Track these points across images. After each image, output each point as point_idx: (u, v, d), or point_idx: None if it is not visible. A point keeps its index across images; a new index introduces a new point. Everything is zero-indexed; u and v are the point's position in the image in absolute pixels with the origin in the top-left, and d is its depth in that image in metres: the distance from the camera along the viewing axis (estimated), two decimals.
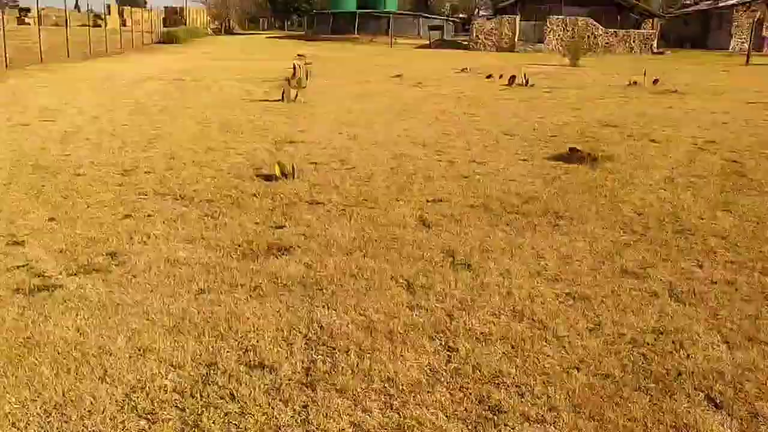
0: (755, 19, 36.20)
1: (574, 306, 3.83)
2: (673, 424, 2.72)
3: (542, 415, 2.76)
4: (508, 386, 2.97)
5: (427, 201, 5.94)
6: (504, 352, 3.27)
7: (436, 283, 4.09)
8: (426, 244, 4.81)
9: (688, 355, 3.28)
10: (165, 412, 2.71)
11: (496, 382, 3.01)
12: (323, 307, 3.73)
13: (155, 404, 2.77)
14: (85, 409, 2.72)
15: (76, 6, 68.40)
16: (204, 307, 3.70)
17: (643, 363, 3.20)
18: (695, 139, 8.98)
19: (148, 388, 2.88)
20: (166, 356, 3.15)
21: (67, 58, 24.10)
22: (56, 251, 4.57)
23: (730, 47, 44.54)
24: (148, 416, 2.69)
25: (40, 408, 2.72)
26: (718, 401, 2.90)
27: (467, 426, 2.67)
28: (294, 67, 17.14)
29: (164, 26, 49.08)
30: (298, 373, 3.04)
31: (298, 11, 74.93)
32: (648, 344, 3.39)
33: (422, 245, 4.78)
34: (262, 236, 4.93)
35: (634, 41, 40.99)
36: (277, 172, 6.62)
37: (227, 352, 3.20)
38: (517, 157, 7.88)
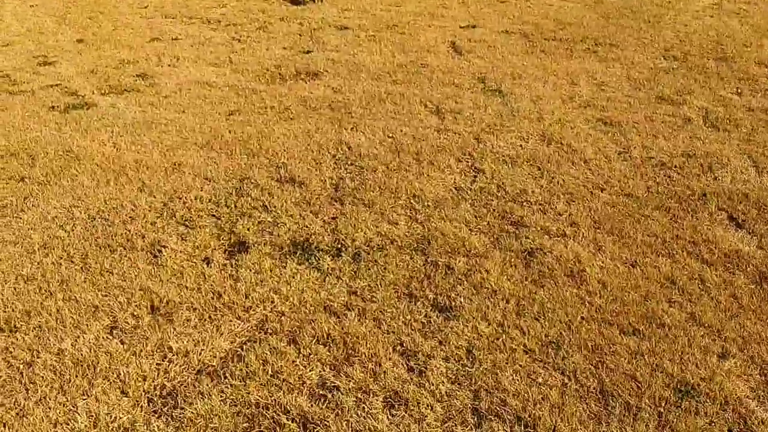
0: None
1: (605, 131, 3.78)
2: (692, 239, 2.78)
3: (563, 230, 2.84)
4: (531, 204, 3.04)
5: (460, 27, 5.71)
6: (529, 173, 3.31)
7: (466, 108, 4.05)
8: (457, 70, 4.70)
9: (715, 178, 3.28)
10: (202, 220, 2.86)
11: (520, 200, 3.07)
12: (351, 129, 3.76)
13: (192, 212, 2.91)
14: (126, 215, 2.89)
15: None
16: (235, 127, 3.75)
17: (668, 184, 3.22)
18: None
19: (185, 198, 3.02)
20: (200, 170, 3.26)
21: None
22: (87, 72, 4.59)
23: None
24: (186, 223, 2.84)
25: (84, 213, 2.89)
26: (740, 220, 2.94)
27: (489, 238, 2.77)
28: None
29: None
30: (327, 188, 3.14)
31: None
32: (676, 167, 3.38)
33: (453, 71, 4.67)
34: (290, 61, 4.86)
35: None
36: None
37: (258, 168, 3.30)
38: None
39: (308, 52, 5.07)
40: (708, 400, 1.96)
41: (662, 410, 1.92)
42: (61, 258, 2.57)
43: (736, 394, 1.98)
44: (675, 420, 1.88)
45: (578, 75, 4.61)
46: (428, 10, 6.24)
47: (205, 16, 5.94)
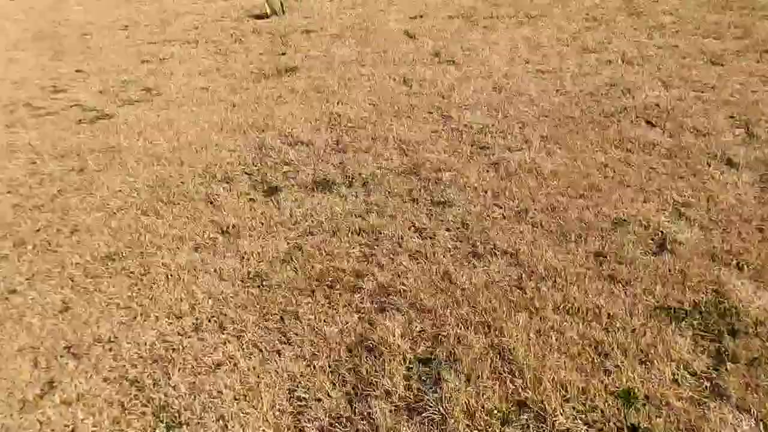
0: None
1: (544, 77, 4.63)
2: (618, 138, 3.62)
3: (520, 146, 3.65)
4: (493, 133, 3.85)
5: (410, 18, 6.55)
6: (488, 113, 4.12)
7: (428, 77, 4.86)
8: (414, 51, 5.52)
9: (633, 97, 4.15)
10: (238, 177, 3.59)
11: (483, 132, 3.88)
12: (338, 103, 4.53)
13: (228, 173, 3.64)
14: (177, 182, 3.59)
15: None
16: (241, 113, 4.49)
17: (597, 106, 4.07)
18: None
19: (220, 164, 3.74)
20: (224, 145, 3.99)
21: None
22: (96, 93, 5.27)
23: None
24: (227, 180, 3.56)
25: (142, 184, 3.59)
26: (654, 122, 3.79)
27: (464, 158, 3.56)
28: None
29: None
30: (330, 144, 3.90)
31: None
32: (602, 94, 4.24)
33: (411, 52, 5.49)
34: (269, 62, 5.62)
35: None
36: (267, 10, 7.13)
37: (271, 138, 4.04)
38: None
39: (283, 54, 5.84)
40: (636, 226, 2.77)
41: (604, 235, 2.73)
42: (138, 214, 3.27)
43: (656, 221, 2.80)
44: (613, 239, 2.69)
45: (516, 41, 5.48)
46: (379, 7, 7.07)
47: (183, 38, 6.65)
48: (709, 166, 3.20)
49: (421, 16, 6.57)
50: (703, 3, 5.95)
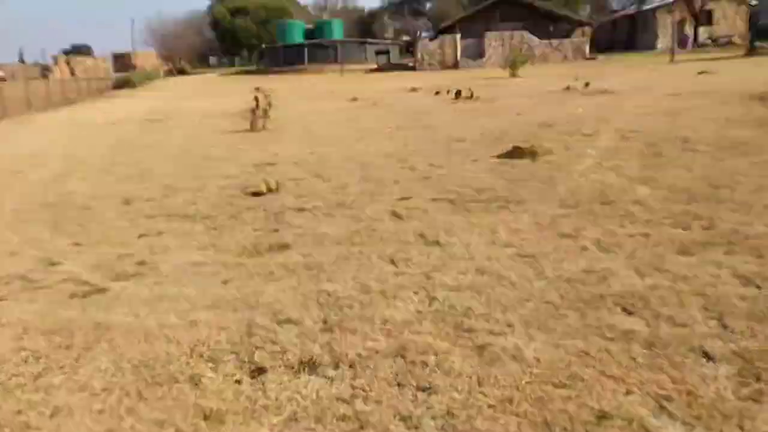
0: (675, 20, 38.77)
1: (524, 261, 4.87)
2: (597, 325, 3.75)
3: (503, 330, 3.76)
4: (476, 316, 3.97)
5: (397, 199, 6.96)
6: (472, 296, 4.28)
7: (413, 257, 5.09)
8: (401, 231, 5.82)
9: (609, 285, 4.34)
10: (225, 356, 3.62)
11: (467, 314, 4.00)
12: (327, 281, 4.69)
13: (215, 352, 3.67)
14: (160, 364, 3.61)
15: (21, 60, 68.17)
16: (231, 291, 4.61)
17: (575, 292, 4.25)
18: (620, 130, 10.27)
19: (207, 343, 3.79)
20: (213, 323, 4.06)
21: (28, 110, 24.56)
22: (92, 266, 5.41)
23: (657, 47, 47.22)
24: (213, 361, 3.59)
25: (128, 363, 3.60)
26: (630, 310, 3.95)
27: (449, 341, 3.65)
28: (256, 99, 18.08)
29: (114, 72, 49.60)
30: (318, 323, 3.99)
31: (246, 46, 76.02)
32: (579, 280, 4.44)
33: (398, 232, 5.78)
34: (263, 239, 5.87)
35: (567, 49, 43.33)
36: (264, 188, 7.56)
37: (261, 316, 4.13)
38: (469, 158, 8.99)
39: (276, 230, 6.11)
40: (619, 420, 2.80)
41: (588, 429, 2.75)
42: (122, 395, 3.25)
43: (639, 416, 2.84)
44: None
45: (497, 225, 5.80)
46: (368, 189, 7.52)
47: (181, 213, 6.96)
48: (687, 358, 3.30)
49: (408, 198, 6.98)
50: (669, 196, 6.40)
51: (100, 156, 11.70)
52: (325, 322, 4.00)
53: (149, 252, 5.70)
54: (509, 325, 3.81)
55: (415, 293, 4.38)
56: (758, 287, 4.13)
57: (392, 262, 5.02)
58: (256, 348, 3.69)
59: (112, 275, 5.14)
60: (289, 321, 4.03)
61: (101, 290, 4.80)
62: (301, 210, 6.76)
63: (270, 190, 7.53)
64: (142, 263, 5.39)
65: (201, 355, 3.65)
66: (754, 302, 3.92)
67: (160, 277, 5.03)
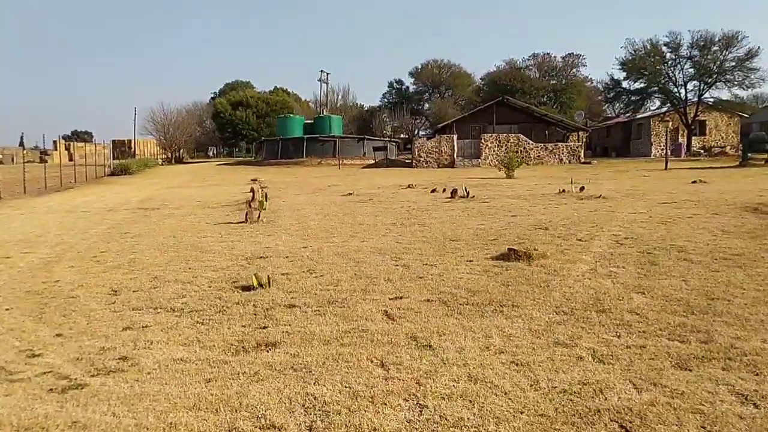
0: (668, 129, 40.11)
1: (518, 370, 4.74)
2: None
3: None
4: (468, 427, 3.81)
5: (389, 299, 6.87)
6: (463, 405, 4.13)
7: (405, 360, 4.95)
8: (393, 332, 5.70)
9: (606, 398, 4.21)
10: None
11: (459, 425, 3.85)
12: (314, 383, 4.53)
13: None
14: None
15: (21, 143, 69.50)
16: (215, 391, 4.45)
17: (571, 405, 4.10)
18: (615, 236, 10.33)
19: None
20: (193, 427, 3.88)
21: (23, 194, 24.72)
22: (73, 359, 5.24)
23: (651, 154, 48.69)
24: None
25: None
26: (628, 427, 3.80)
27: None
28: (252, 190, 18.29)
29: (113, 158, 50.46)
30: (303, 430, 3.81)
31: (246, 138, 77.91)
32: (575, 392, 4.30)
33: (390, 333, 5.66)
34: (250, 336, 5.73)
35: (562, 153, 44.46)
36: (255, 282, 7.47)
37: (243, 420, 3.96)
38: (464, 258, 8.97)
39: (264, 327, 5.97)
40: None
41: None
42: None
43: None
44: None
45: (490, 329, 5.70)
46: (360, 287, 7.43)
47: (168, 306, 6.83)
48: None
49: (401, 297, 6.89)
50: (665, 306, 6.34)
51: (90, 243, 11.65)
52: (310, 429, 3.83)
53: (132, 346, 5.54)
54: None
55: (405, 400, 4.23)
56: (756, 406, 4.01)
57: (382, 365, 4.88)
58: None
59: (93, 370, 4.96)
60: (272, 426, 3.86)
61: (80, 386, 4.63)
62: (291, 306, 6.65)
63: (260, 285, 7.44)
64: (123, 358, 5.22)
65: None
66: (752, 421, 3.80)
67: (142, 373, 4.86)
